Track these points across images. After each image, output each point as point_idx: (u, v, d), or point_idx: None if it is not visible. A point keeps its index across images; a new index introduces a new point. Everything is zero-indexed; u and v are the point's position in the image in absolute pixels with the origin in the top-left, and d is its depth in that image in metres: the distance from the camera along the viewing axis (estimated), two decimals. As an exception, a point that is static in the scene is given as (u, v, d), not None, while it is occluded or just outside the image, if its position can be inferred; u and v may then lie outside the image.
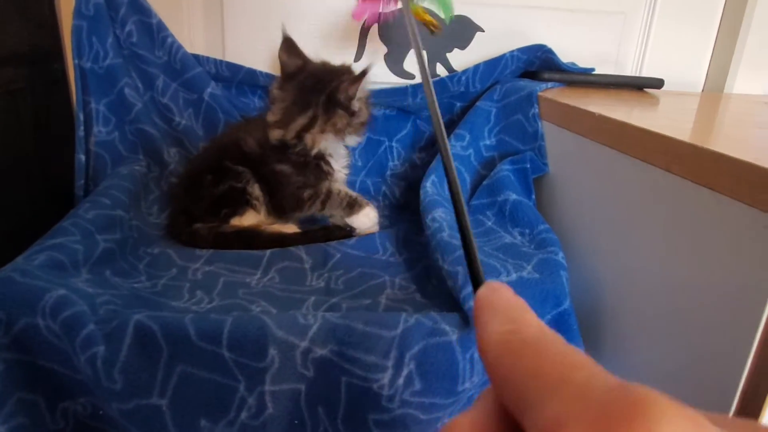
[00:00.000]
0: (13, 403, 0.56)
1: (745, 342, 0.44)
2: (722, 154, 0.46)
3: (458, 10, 1.06)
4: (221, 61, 1.01)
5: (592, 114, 0.69)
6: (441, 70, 1.10)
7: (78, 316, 0.54)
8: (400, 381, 0.56)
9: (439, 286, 0.73)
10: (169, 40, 0.96)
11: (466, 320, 0.59)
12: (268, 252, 0.80)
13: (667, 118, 0.75)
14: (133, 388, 0.54)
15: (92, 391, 0.56)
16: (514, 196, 0.77)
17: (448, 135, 0.96)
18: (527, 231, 0.73)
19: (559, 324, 0.61)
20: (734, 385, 0.45)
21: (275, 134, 0.87)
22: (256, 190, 0.89)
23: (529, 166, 0.83)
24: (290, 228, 0.91)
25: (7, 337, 0.55)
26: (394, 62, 1.09)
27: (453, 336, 0.57)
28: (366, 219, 0.88)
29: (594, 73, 1.02)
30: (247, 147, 0.90)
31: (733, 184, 0.45)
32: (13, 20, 0.80)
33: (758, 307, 0.43)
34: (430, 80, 0.31)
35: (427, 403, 0.56)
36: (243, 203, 0.87)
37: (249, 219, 0.87)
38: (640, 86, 1.03)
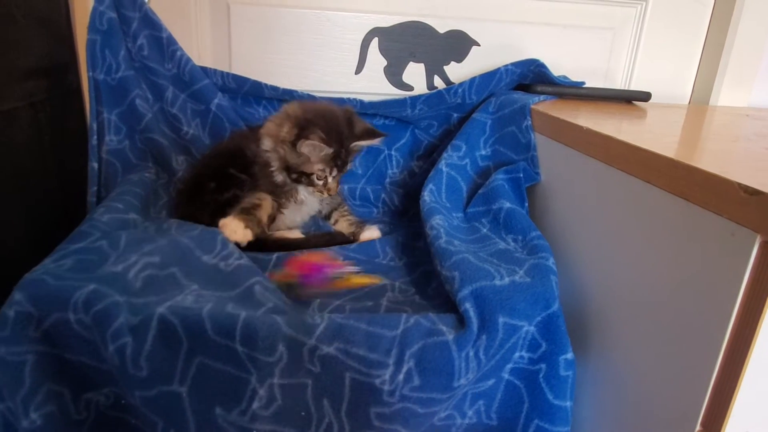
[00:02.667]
0: (44, 393, 0.60)
1: (716, 340, 0.48)
2: (693, 167, 0.51)
3: (455, 25, 1.12)
4: (228, 73, 1.05)
5: (580, 127, 0.74)
6: (439, 83, 1.15)
7: (109, 309, 0.59)
8: (401, 377, 0.60)
9: (438, 288, 0.77)
10: (179, 53, 1.01)
11: (461, 321, 0.63)
12: (274, 256, 0.84)
13: (651, 132, 0.79)
14: (157, 375, 0.59)
15: (116, 381, 0.60)
16: (507, 205, 0.81)
17: (446, 145, 1.00)
18: (520, 237, 0.77)
19: (548, 325, 0.65)
20: (706, 381, 0.49)
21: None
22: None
23: (522, 175, 0.87)
24: (294, 234, 0.95)
25: (38, 332, 0.59)
26: (393, 74, 1.13)
27: (449, 336, 0.61)
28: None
29: (584, 86, 1.06)
30: (250, 152, 0.94)
31: (704, 195, 0.50)
32: (36, 36, 0.84)
33: (726, 311, 0.47)
34: None
35: (425, 397, 0.60)
36: None
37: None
38: (628, 99, 1.08)
